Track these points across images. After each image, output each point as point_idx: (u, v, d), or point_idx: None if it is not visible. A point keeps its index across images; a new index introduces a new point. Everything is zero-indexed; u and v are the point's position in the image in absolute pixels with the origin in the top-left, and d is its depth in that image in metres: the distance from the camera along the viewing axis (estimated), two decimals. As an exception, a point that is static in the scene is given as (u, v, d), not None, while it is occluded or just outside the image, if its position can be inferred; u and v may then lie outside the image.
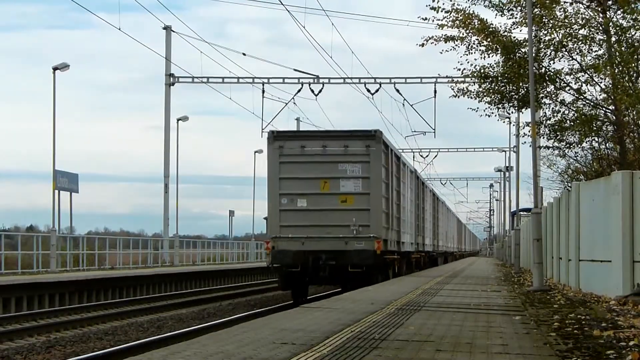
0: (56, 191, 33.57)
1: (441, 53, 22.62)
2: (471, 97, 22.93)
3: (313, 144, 21.77)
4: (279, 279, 22.80)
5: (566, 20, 21.52)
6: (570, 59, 22.10)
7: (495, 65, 22.02)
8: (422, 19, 22.12)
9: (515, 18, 21.64)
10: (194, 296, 27.45)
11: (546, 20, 21.45)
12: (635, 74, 21.45)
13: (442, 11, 21.60)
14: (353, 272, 21.23)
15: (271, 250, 21.47)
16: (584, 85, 22.46)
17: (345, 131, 22.66)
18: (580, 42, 21.80)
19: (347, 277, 21.55)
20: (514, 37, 21.72)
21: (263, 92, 40.17)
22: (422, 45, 22.46)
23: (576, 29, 21.64)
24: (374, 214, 21.64)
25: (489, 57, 22.02)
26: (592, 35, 21.77)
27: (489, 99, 22.47)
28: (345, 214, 21.44)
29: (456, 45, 22.05)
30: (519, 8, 21.41)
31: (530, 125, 20.22)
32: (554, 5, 21.31)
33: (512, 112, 24.57)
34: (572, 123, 22.57)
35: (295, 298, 22.47)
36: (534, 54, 19.20)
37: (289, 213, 21.50)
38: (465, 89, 23.13)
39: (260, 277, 41.03)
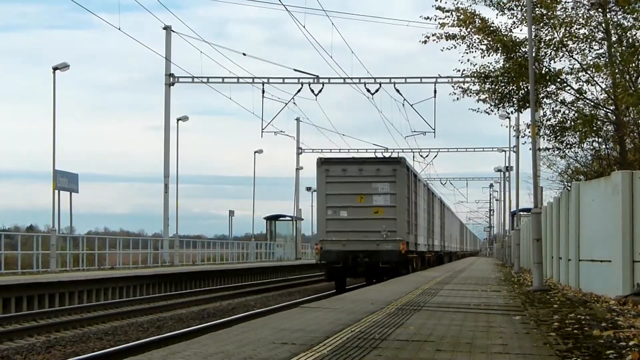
0: (56, 191, 33.51)
1: (442, 50, 22.60)
2: (471, 96, 22.93)
3: (352, 168, 26.99)
4: (325, 272, 27.83)
5: (567, 19, 21.49)
6: (571, 58, 22.10)
7: (495, 64, 22.01)
8: (425, 18, 22.14)
9: (516, 17, 21.64)
10: (194, 296, 27.44)
11: (546, 19, 21.41)
12: (635, 74, 21.42)
13: (445, 11, 21.61)
14: (383, 268, 26.30)
15: (320, 250, 26.68)
16: (584, 85, 22.47)
17: (377, 158, 30.50)
18: (580, 42, 21.78)
19: (378, 272, 26.53)
20: (515, 37, 21.71)
21: (263, 92, 40.35)
22: (425, 42, 22.47)
23: (577, 29, 21.62)
24: (399, 222, 26.75)
25: (489, 56, 22.03)
26: (592, 35, 21.75)
27: (489, 100, 22.45)
28: (377, 222, 26.52)
29: (457, 43, 22.06)
30: (520, 7, 21.39)
31: (530, 127, 20.18)
32: (555, 5, 21.28)
33: (512, 113, 24.55)
34: (572, 123, 22.55)
35: (337, 288, 27.39)
36: (534, 54, 19.17)
37: (334, 221, 26.65)
38: (468, 88, 23.11)
39: (261, 277, 41.04)
